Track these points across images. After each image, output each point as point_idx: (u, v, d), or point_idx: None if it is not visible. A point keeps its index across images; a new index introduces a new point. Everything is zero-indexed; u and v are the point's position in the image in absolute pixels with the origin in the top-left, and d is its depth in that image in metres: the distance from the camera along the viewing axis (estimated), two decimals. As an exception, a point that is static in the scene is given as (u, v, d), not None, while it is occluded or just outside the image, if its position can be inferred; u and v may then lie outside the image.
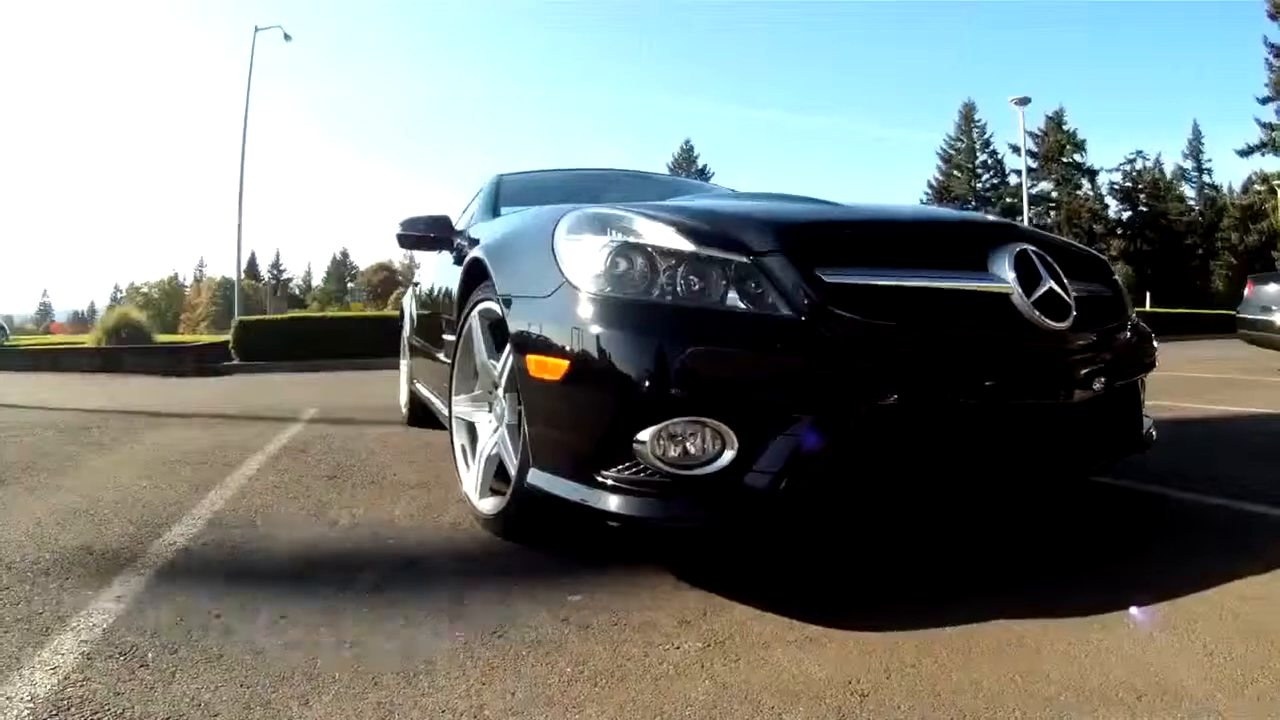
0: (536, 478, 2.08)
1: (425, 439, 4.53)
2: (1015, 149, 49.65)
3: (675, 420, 1.81)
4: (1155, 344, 2.67)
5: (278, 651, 1.66)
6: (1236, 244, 50.39)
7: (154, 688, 1.50)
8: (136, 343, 14.11)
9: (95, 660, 1.61)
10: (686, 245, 1.93)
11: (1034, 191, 49.83)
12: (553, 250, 2.11)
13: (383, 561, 2.26)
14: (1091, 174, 54.38)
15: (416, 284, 5.24)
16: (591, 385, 1.92)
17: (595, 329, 1.90)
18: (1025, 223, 30.39)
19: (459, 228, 3.84)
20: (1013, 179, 53.92)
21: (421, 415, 4.79)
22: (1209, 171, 56.75)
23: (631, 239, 1.99)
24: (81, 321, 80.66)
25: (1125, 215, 54.59)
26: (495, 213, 3.58)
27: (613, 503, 1.88)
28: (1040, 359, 2.06)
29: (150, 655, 1.64)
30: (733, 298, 1.88)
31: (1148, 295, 29.74)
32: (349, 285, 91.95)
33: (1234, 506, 2.71)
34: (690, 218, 2.07)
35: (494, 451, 2.52)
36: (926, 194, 58.19)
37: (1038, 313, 2.01)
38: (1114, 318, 2.41)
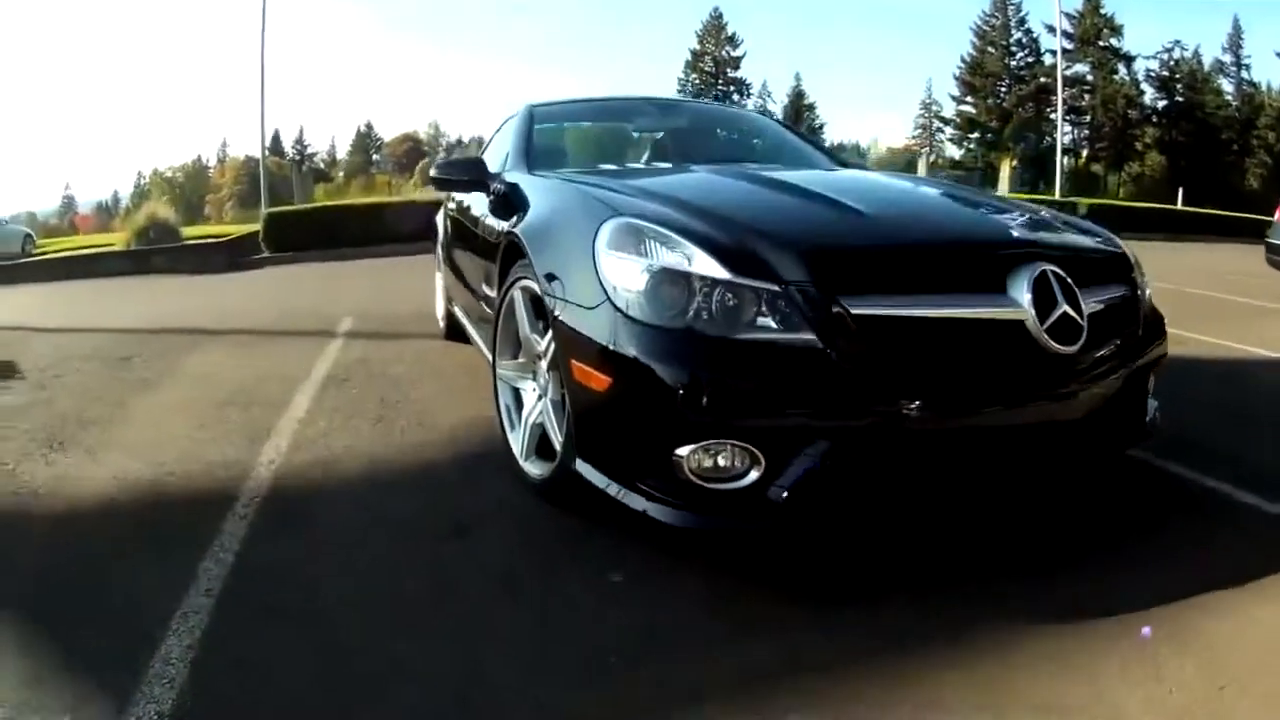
0: (581, 467, 2.26)
1: (463, 357, 4.61)
2: (1051, 29, 48.02)
3: (710, 441, 1.97)
4: (1165, 331, 2.71)
5: (352, 635, 1.86)
6: (1273, 143, 49.68)
7: (259, 688, 1.68)
8: (165, 242, 14.13)
9: (205, 665, 1.77)
10: (721, 273, 2.02)
11: (1069, 73, 48.67)
12: (594, 260, 2.20)
13: (438, 529, 2.46)
14: (1128, 60, 53.28)
15: (451, 199, 5.15)
16: (634, 403, 2.06)
17: (638, 354, 2.02)
18: (1059, 104, 29.77)
19: (490, 159, 3.95)
20: (1047, 59, 52.69)
21: (458, 331, 4.82)
22: (1248, 68, 54.85)
23: (669, 264, 2.07)
24: (106, 210, 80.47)
25: (1161, 104, 53.79)
26: (529, 160, 3.57)
27: (649, 507, 2.07)
28: (1049, 379, 2.14)
29: (250, 654, 1.82)
30: (764, 322, 1.99)
31: (1179, 192, 28.82)
32: (374, 158, 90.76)
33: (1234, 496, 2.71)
34: (725, 235, 2.14)
35: (538, 420, 2.64)
36: (959, 68, 58.04)
37: (1048, 338, 2.08)
38: (1128, 321, 2.46)
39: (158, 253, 13.39)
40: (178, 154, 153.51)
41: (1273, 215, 10.03)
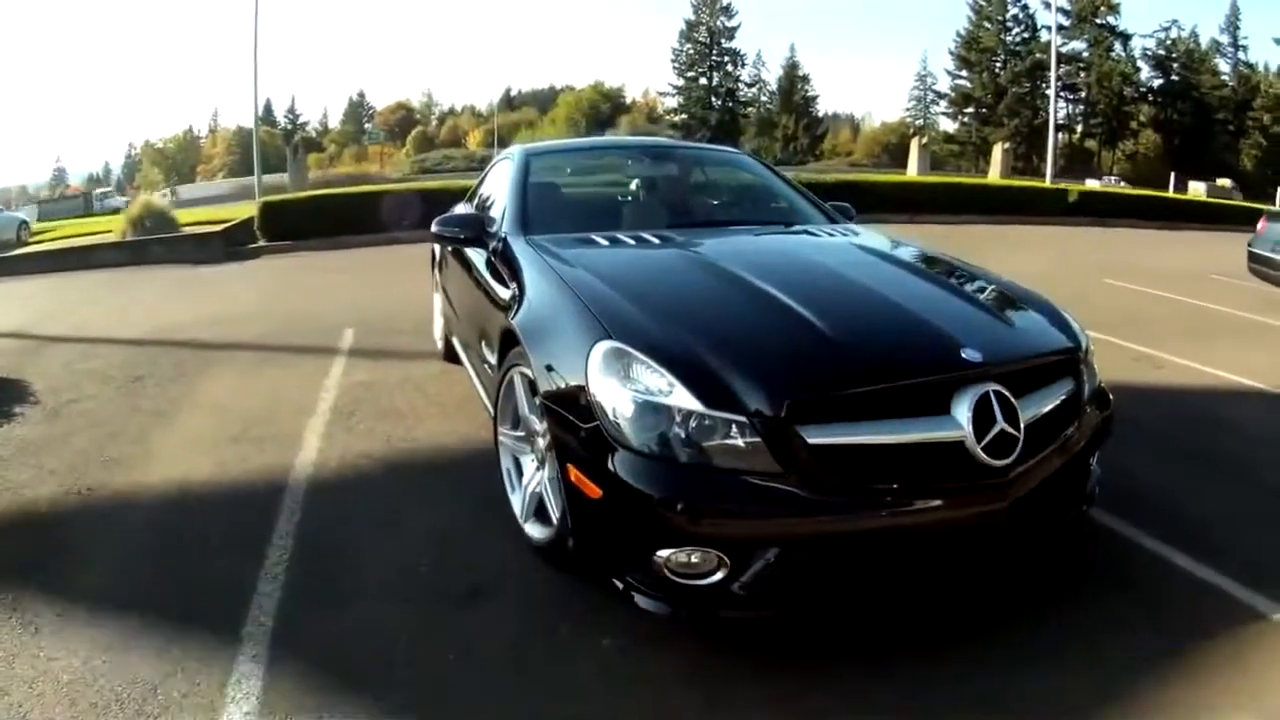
0: (575, 548, 2.59)
1: (461, 388, 4.75)
2: (1047, 4, 48.63)
3: (685, 548, 2.28)
4: (1110, 403, 2.98)
5: None
6: (1268, 125, 50.69)
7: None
8: (161, 231, 14.21)
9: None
10: (696, 405, 2.29)
11: (1065, 50, 49.41)
12: (586, 380, 2.47)
13: (452, 590, 2.77)
14: (1125, 38, 54.51)
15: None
16: (621, 513, 2.36)
17: (625, 475, 2.30)
18: (1053, 81, 29.95)
19: (486, 192, 4.51)
20: (1043, 35, 53.41)
21: (457, 356, 5.00)
22: (1245, 49, 56.25)
23: (652, 397, 2.34)
24: (96, 182, 79.71)
25: (1157, 83, 55.04)
26: (525, 223, 3.77)
27: (634, 595, 2.39)
28: (986, 488, 2.37)
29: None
30: (732, 445, 2.27)
31: (1171, 177, 28.95)
32: (366, 126, 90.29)
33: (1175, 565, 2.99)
34: (701, 362, 2.39)
35: (536, 489, 2.90)
36: (955, 43, 59.90)
37: (984, 456, 2.32)
38: (1071, 416, 2.70)
39: (154, 243, 13.50)
40: (169, 124, 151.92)
41: (1262, 200, 10.22)
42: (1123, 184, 33.52)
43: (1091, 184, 30.93)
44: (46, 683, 2.27)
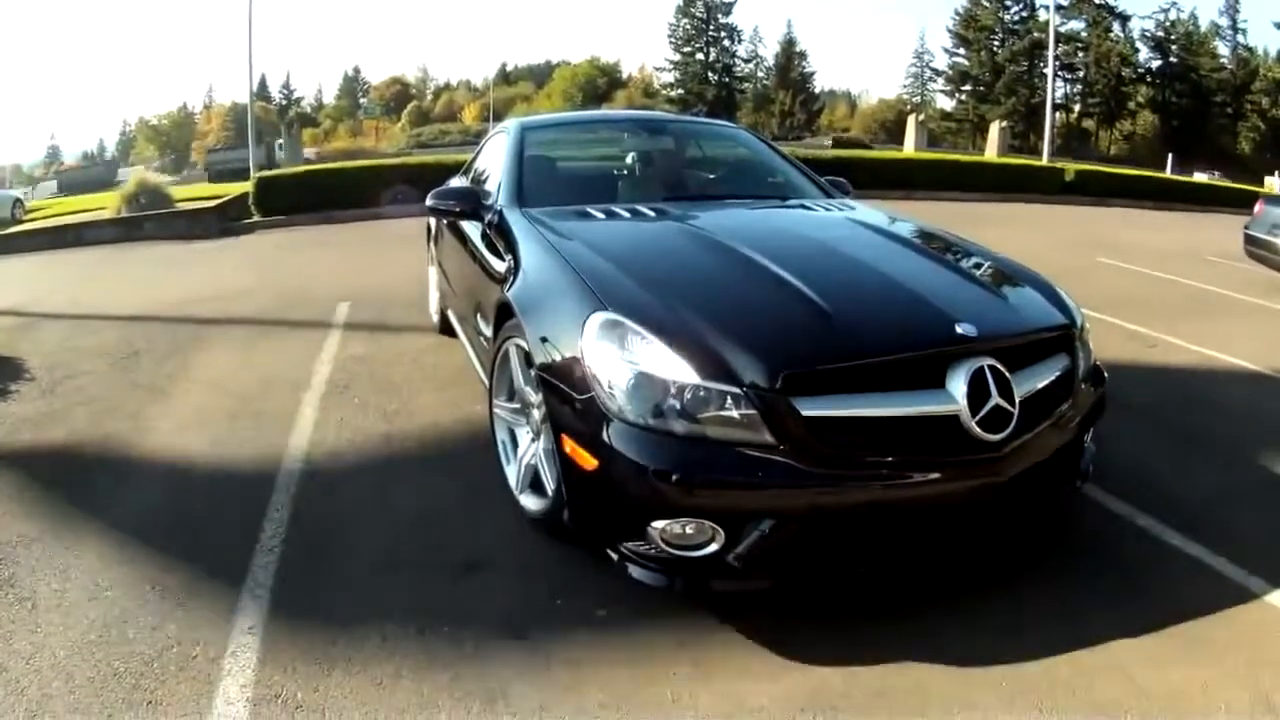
0: (570, 519, 2.61)
1: (459, 361, 4.73)
2: None
3: (680, 519, 2.29)
4: (1105, 380, 3.01)
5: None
6: (1266, 109, 51.12)
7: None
8: (156, 207, 14.09)
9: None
10: (692, 377, 2.29)
11: (1063, 29, 49.54)
12: (581, 351, 2.47)
13: (448, 562, 2.78)
14: (1124, 19, 54.74)
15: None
16: (617, 483, 2.36)
17: (621, 447, 2.31)
18: (1051, 60, 29.81)
19: (481, 166, 4.49)
20: (1042, 14, 53.31)
21: (452, 328, 5.01)
22: (1244, 32, 56.38)
23: (647, 368, 2.34)
24: (91, 160, 79.09)
25: (1155, 64, 55.38)
26: (521, 195, 3.75)
27: (628, 566, 2.41)
28: (981, 460, 2.37)
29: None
30: (728, 415, 2.27)
31: (1169, 159, 28.93)
32: (362, 101, 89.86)
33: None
34: (697, 336, 2.39)
35: (531, 461, 2.91)
36: (953, 20, 60.27)
37: (979, 430, 2.33)
38: (1064, 392, 2.70)
39: (149, 219, 13.42)
40: (163, 102, 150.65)
41: (1259, 186, 10.28)
42: (1219, 175, 34.24)
43: (1200, 177, 31.32)
44: (44, 658, 2.28)
